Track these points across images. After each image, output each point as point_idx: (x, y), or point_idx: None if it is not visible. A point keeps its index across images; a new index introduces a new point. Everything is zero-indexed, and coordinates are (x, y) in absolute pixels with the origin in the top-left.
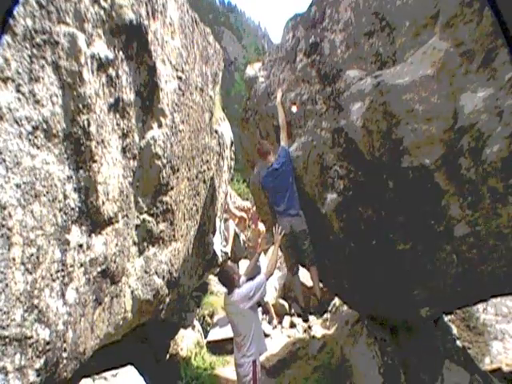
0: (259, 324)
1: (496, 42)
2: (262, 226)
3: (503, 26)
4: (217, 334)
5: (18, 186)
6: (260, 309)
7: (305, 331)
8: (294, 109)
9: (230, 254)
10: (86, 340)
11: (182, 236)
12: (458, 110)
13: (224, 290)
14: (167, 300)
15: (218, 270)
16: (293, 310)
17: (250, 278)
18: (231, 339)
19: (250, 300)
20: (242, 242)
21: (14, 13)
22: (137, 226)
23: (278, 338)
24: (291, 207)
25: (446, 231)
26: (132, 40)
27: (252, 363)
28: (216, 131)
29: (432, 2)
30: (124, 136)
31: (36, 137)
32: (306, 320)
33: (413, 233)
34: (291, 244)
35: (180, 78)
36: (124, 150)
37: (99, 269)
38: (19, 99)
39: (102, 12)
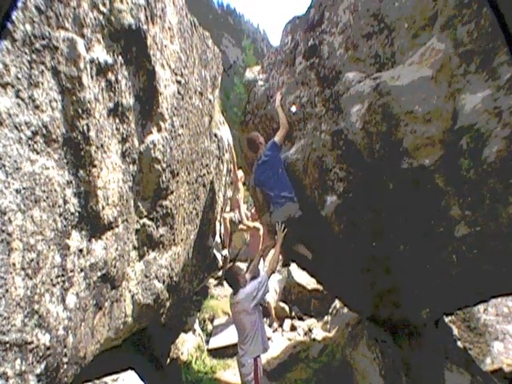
0: (262, 321)
1: (495, 42)
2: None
3: (502, 24)
4: (218, 341)
5: (17, 191)
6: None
7: (305, 334)
8: (294, 108)
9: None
10: (86, 345)
11: (181, 240)
12: (457, 110)
13: (224, 293)
14: (167, 304)
15: (220, 272)
16: (293, 313)
17: (254, 277)
18: (232, 345)
19: (254, 299)
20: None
21: (13, 18)
22: (137, 231)
23: (278, 341)
24: (284, 191)
25: (446, 232)
26: (131, 44)
27: (253, 361)
28: (215, 135)
29: (430, 2)
30: (123, 140)
31: (36, 142)
32: None
33: (413, 234)
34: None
35: (179, 82)
36: (124, 155)
37: (99, 273)
38: (19, 104)
39: (101, 17)
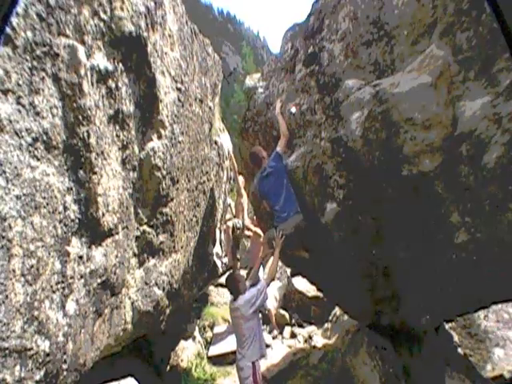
0: (261, 328)
1: (494, 49)
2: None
3: (503, 25)
4: (218, 348)
5: (18, 197)
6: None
7: (305, 341)
8: (294, 109)
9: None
10: (86, 351)
11: (182, 247)
12: (456, 117)
13: (224, 300)
14: (167, 311)
15: (219, 280)
16: (293, 320)
17: (254, 284)
18: (232, 353)
19: (253, 305)
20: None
21: (15, 25)
22: (137, 238)
23: (278, 349)
24: (288, 206)
25: (445, 238)
26: (131, 52)
27: (252, 365)
28: (215, 142)
29: (429, 10)
30: (124, 147)
31: (36, 148)
32: None
33: (413, 241)
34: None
35: (179, 90)
36: (124, 162)
37: (99, 280)
38: (19, 111)
39: (101, 24)
